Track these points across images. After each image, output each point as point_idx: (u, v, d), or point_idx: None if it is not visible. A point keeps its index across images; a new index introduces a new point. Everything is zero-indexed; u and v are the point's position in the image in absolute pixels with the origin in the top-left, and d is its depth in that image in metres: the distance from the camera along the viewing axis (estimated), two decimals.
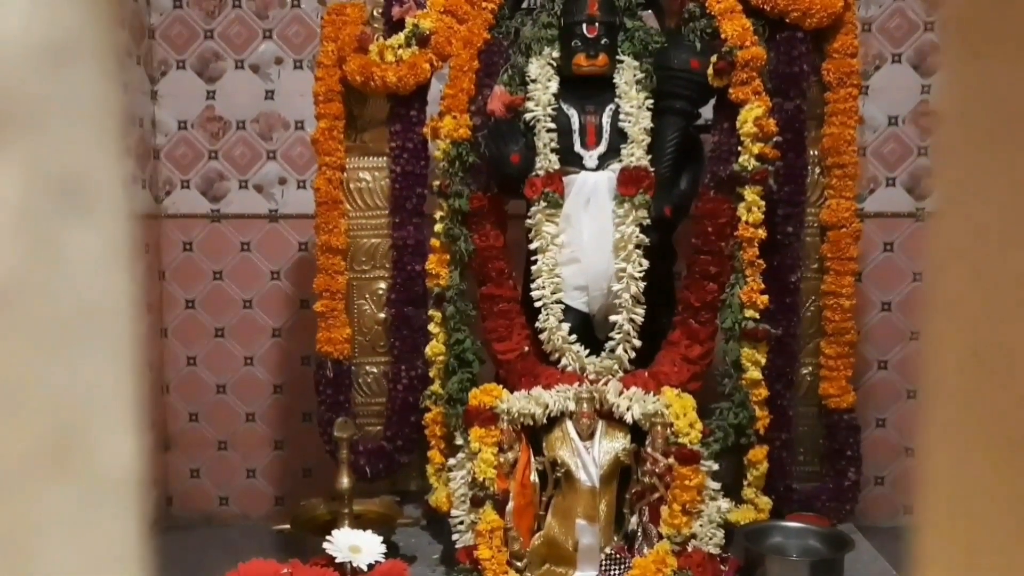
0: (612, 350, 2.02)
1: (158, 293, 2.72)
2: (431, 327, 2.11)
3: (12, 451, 0.23)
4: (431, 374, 2.12)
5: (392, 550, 1.86)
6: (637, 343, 2.02)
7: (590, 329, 2.08)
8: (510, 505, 1.90)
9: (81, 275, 0.23)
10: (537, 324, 2.05)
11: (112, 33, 0.24)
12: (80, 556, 0.23)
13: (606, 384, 1.99)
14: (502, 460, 1.90)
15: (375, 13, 2.19)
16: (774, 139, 2.00)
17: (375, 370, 2.28)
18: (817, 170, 2.19)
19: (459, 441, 2.00)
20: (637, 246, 1.99)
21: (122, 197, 0.24)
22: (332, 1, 2.36)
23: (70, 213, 0.23)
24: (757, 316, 2.02)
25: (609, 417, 1.97)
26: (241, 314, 2.75)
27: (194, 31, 2.66)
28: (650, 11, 2.15)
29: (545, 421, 1.96)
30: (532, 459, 1.94)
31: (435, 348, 2.10)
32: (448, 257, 2.06)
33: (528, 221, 2.05)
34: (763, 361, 2.05)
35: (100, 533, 0.24)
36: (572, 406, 1.96)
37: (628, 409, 1.94)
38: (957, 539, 0.28)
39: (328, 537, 1.75)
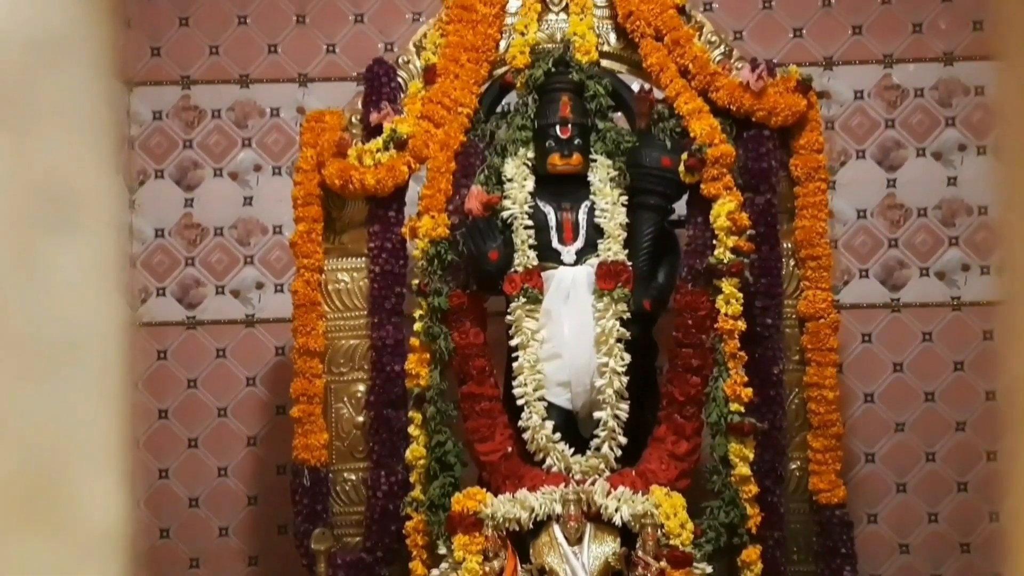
0: (598, 448, 1.99)
1: (129, 404, 2.65)
2: (411, 429, 2.07)
3: None
4: (412, 479, 2.07)
5: None
6: (623, 440, 1.99)
7: (574, 427, 2.05)
8: None
9: (66, 294, 0.20)
10: (520, 423, 2.02)
11: (106, 32, 0.22)
12: None
13: (593, 484, 1.94)
14: (487, 569, 1.83)
15: (353, 120, 2.24)
16: (748, 232, 2.04)
17: (353, 477, 2.21)
18: (792, 262, 2.22)
19: (442, 550, 1.93)
20: (619, 340, 1.99)
21: (111, 209, 0.21)
22: (311, 109, 2.42)
23: (55, 224, 0.20)
24: (742, 409, 2.01)
25: (597, 519, 1.92)
26: (215, 423, 2.68)
27: (173, 141, 2.70)
28: (620, 113, 2.22)
29: (531, 525, 1.91)
30: (519, 567, 1.87)
31: (415, 451, 2.05)
32: (428, 356, 2.04)
33: (508, 317, 2.04)
34: (751, 456, 2.02)
35: None
36: (559, 509, 1.91)
37: (617, 510, 1.89)
38: None
39: None
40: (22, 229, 0.20)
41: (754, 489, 2.01)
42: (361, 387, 2.21)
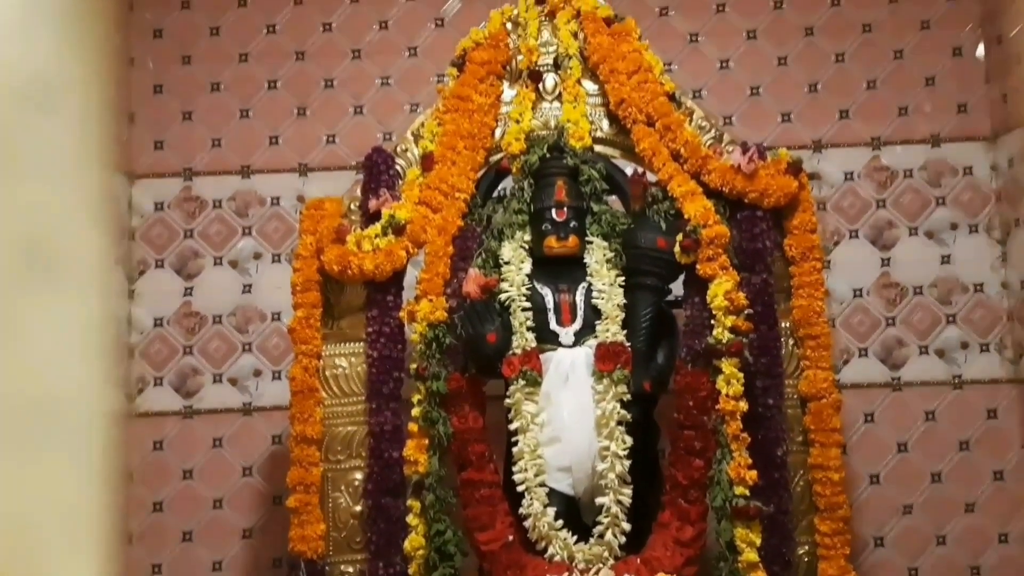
0: (601, 535, 1.94)
1: (123, 497, 2.60)
2: (410, 518, 2.02)
3: None
4: (411, 571, 2.01)
5: None
6: (626, 526, 1.94)
7: (576, 513, 2.00)
8: None
9: (45, 359, 0.19)
10: (521, 510, 1.97)
11: (104, 78, 0.21)
12: None
13: (597, 573, 1.89)
14: None
15: (352, 206, 2.27)
16: (745, 311, 2.04)
17: (351, 569, 2.15)
18: (791, 342, 2.21)
19: None
20: (619, 423, 1.96)
21: (97, 271, 0.20)
22: (311, 198, 2.45)
23: (37, 282, 0.18)
24: (747, 493, 1.96)
25: None
26: (210, 515, 2.62)
27: (174, 231, 2.73)
28: (615, 196, 2.25)
29: None
30: None
31: (414, 541, 2.00)
32: (427, 442, 2.01)
33: (507, 401, 2.02)
34: (758, 541, 1.97)
35: None
36: None
37: None
38: None
39: None
40: (2, 287, 0.19)
41: None
42: (359, 475, 2.17)
